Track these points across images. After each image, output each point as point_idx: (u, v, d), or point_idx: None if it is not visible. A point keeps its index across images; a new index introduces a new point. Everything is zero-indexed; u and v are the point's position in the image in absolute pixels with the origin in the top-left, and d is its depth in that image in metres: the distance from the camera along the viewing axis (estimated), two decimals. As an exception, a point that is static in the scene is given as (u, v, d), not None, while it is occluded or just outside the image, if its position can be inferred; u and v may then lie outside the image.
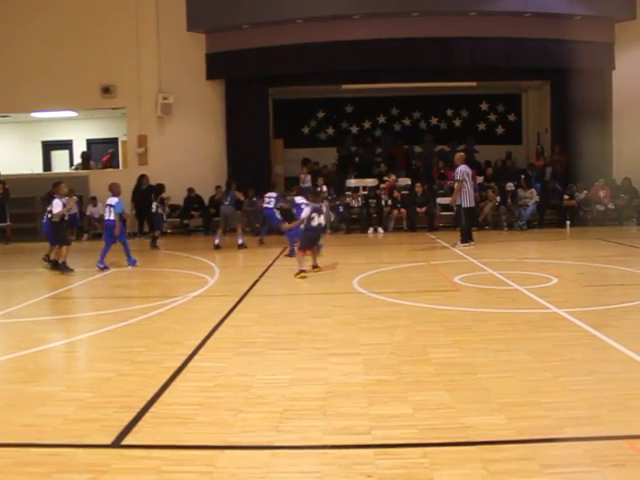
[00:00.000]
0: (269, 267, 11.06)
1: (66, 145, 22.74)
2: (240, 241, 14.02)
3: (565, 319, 6.61)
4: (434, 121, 22.93)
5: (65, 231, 11.52)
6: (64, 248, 11.07)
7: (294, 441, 3.72)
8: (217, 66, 18.68)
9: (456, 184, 13.30)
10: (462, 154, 13.92)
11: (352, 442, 3.68)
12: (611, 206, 17.68)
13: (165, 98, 18.77)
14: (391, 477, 3.24)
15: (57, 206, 11.05)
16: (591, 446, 3.56)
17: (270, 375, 4.94)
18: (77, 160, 21.51)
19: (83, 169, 20.15)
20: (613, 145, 19.55)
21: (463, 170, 13.26)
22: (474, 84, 21.03)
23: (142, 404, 4.34)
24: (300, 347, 5.73)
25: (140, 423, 4.02)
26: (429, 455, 3.48)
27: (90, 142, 22.58)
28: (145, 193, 17.33)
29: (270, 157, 19.91)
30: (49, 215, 11.22)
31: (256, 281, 9.57)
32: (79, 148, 22.05)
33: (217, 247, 13.98)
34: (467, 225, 13.49)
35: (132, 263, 11.65)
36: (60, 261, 11.04)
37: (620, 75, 19.20)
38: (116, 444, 3.71)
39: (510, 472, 3.26)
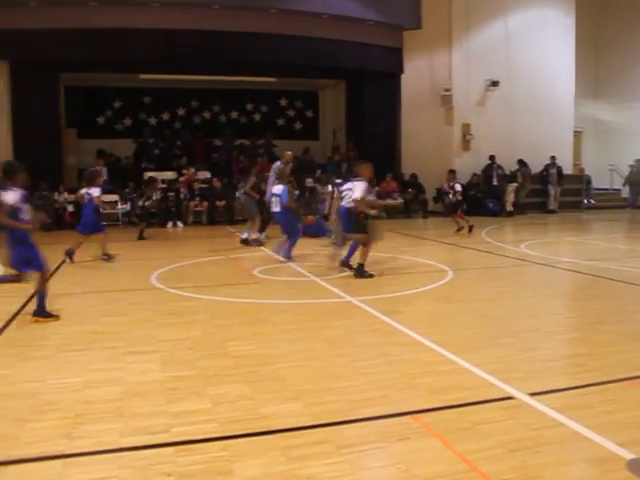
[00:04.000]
0: (61, 264, 10.40)
1: None
2: (244, 235, 12.66)
3: (358, 307, 6.99)
4: (234, 115, 23.04)
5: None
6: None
7: (88, 447, 3.54)
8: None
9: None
10: (290, 153, 13.73)
11: (150, 442, 3.59)
12: (400, 200, 18.98)
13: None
14: (191, 473, 3.22)
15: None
16: (380, 424, 3.82)
17: (61, 379, 4.65)
18: None
19: None
20: (402, 143, 21.04)
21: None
22: (273, 80, 21.44)
23: None
24: (94, 347, 5.46)
25: None
26: (229, 448, 3.50)
27: None
28: None
29: (62, 147, 18.69)
30: None
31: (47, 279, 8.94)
32: None
33: (245, 242, 12.53)
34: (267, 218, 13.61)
35: None
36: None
37: (408, 79, 20.73)
38: None
39: (307, 456, 3.39)
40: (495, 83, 20.79)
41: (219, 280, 8.95)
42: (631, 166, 22.65)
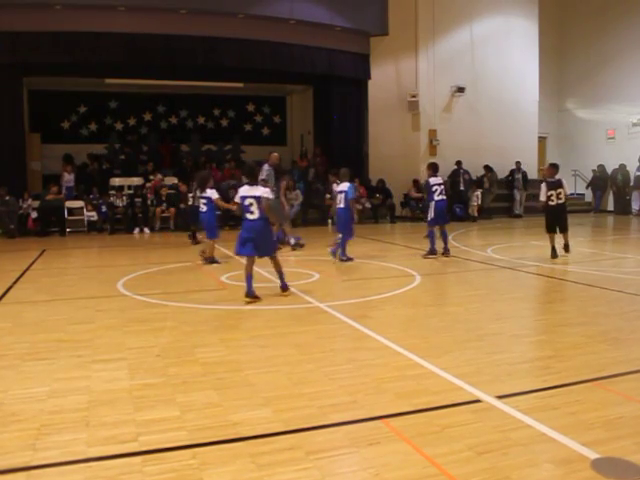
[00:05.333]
0: (25, 271, 10.23)
1: None
2: (292, 240, 12.74)
3: (327, 312, 7.00)
4: (201, 120, 22.95)
5: None
6: None
7: (54, 458, 3.46)
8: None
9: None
10: (277, 154, 13.82)
11: (118, 451, 3.54)
12: (368, 205, 19.07)
13: None
14: (160, 482, 3.19)
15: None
16: (350, 429, 3.82)
17: (26, 389, 4.56)
18: None
19: None
20: (369, 149, 21.16)
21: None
22: (241, 85, 21.41)
23: None
24: (60, 356, 5.37)
25: None
26: (198, 455, 3.47)
27: None
28: None
29: (25, 152, 18.39)
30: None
31: (10, 287, 8.79)
32: None
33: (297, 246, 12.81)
34: None
35: None
36: None
37: (375, 85, 20.87)
38: None
39: (277, 463, 3.37)
40: (461, 89, 21.05)
41: (187, 286, 8.89)
42: (594, 171, 23.11)
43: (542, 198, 10.91)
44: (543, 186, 10.92)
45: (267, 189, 7.81)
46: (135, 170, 19.81)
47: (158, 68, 18.83)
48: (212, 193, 10.66)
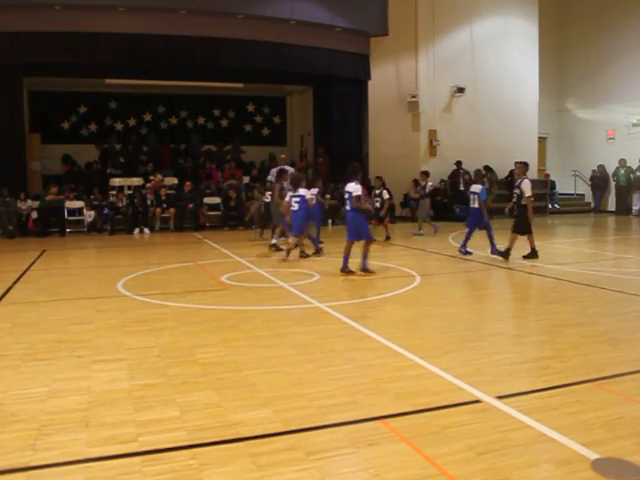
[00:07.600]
0: (25, 272, 10.23)
1: None
2: (273, 241, 12.78)
3: (327, 312, 6.99)
4: (201, 121, 22.95)
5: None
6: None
7: (54, 458, 3.46)
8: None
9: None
10: (284, 156, 14.18)
11: (118, 452, 3.53)
12: (369, 206, 19.01)
13: None
14: (159, 483, 3.18)
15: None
16: (350, 429, 3.82)
17: (25, 389, 4.55)
18: None
19: None
20: (370, 149, 21.16)
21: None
22: (241, 85, 21.41)
23: None
24: (60, 356, 5.37)
25: None
26: (198, 456, 3.46)
27: None
28: None
29: (25, 153, 18.38)
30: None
31: (9, 288, 8.79)
32: None
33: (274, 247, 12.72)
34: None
35: None
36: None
37: (375, 85, 20.87)
38: None
39: (277, 463, 3.37)
40: (461, 89, 21.04)
41: (187, 287, 8.89)
42: (594, 171, 23.10)
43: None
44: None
45: (359, 187, 9.26)
46: (135, 170, 19.80)
47: (158, 68, 18.81)
48: (305, 192, 11.06)
